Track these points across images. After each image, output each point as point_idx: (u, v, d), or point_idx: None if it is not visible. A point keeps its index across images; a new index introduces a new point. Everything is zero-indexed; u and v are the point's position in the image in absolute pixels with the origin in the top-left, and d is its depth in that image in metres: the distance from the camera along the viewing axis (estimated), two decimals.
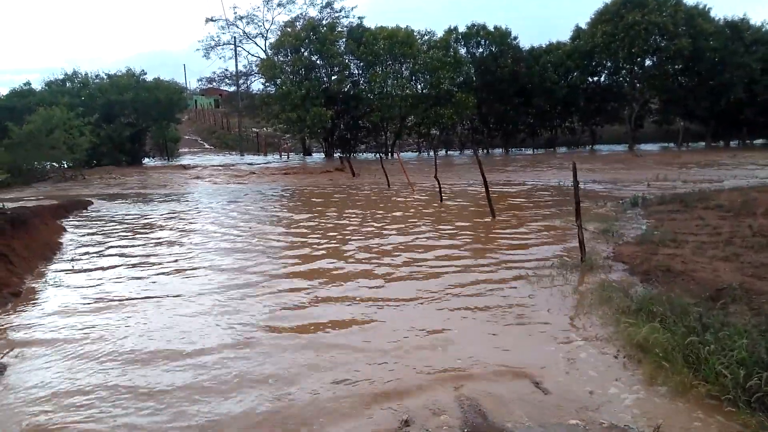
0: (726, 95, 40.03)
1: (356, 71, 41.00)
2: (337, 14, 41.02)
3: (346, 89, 39.66)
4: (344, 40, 39.51)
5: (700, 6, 41.63)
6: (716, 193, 14.18)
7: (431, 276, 7.77)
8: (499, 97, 41.67)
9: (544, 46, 44.73)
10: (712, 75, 40.45)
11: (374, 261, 8.79)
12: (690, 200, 12.71)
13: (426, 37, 41.84)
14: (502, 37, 42.11)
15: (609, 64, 42.90)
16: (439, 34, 42.33)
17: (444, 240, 10.30)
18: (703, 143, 43.72)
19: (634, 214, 12.01)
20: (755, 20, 43.05)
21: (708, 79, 40.79)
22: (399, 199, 17.19)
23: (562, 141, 47.47)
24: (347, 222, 12.80)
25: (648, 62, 42.00)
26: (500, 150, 45.44)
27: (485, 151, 44.60)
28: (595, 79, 44.89)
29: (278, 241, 10.87)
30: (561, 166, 25.62)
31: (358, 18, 41.34)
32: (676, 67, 41.31)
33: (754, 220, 9.70)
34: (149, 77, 37.69)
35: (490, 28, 42.46)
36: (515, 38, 42.89)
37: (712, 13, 41.96)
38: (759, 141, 42.99)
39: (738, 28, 41.47)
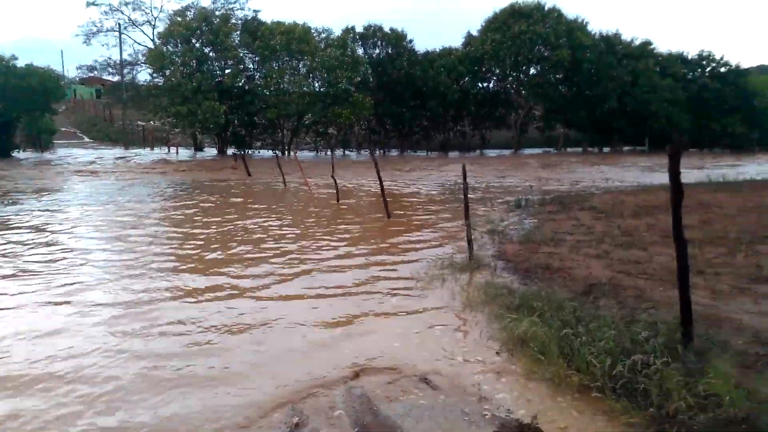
0: (601, 105, 43.53)
1: (251, 66, 40.01)
2: (231, 5, 39.77)
3: (240, 84, 38.52)
4: (239, 33, 38.41)
5: (579, 19, 44.93)
6: (591, 195, 15.38)
7: (325, 276, 7.74)
8: (396, 98, 42.47)
9: (438, 50, 46.19)
10: (589, 86, 43.81)
11: (268, 261, 8.60)
12: (568, 202, 13.68)
13: (323, 35, 41.66)
14: (397, 39, 42.94)
15: (497, 71, 45.13)
16: (337, 32, 42.34)
17: (338, 240, 10.30)
18: (581, 149, 47.26)
19: (518, 214, 12.70)
20: (626, 35, 47.23)
21: (585, 90, 44.13)
22: (295, 198, 16.98)
23: (454, 144, 49.26)
24: (238, 223, 12.44)
25: (532, 71, 44.70)
26: (396, 151, 46.28)
27: (382, 151, 45.23)
28: (485, 85, 47.04)
29: (162, 245, 10.32)
30: (452, 168, 26.56)
31: (254, 11, 40.40)
32: (558, 76, 44.32)
33: (623, 221, 10.63)
34: (21, 63, 34.32)
35: (387, 29, 43.16)
36: (410, 41, 43.91)
37: (590, 27, 45.45)
38: (627, 148, 47.12)
39: (612, 42, 45.25)
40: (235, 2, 40.05)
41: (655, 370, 3.88)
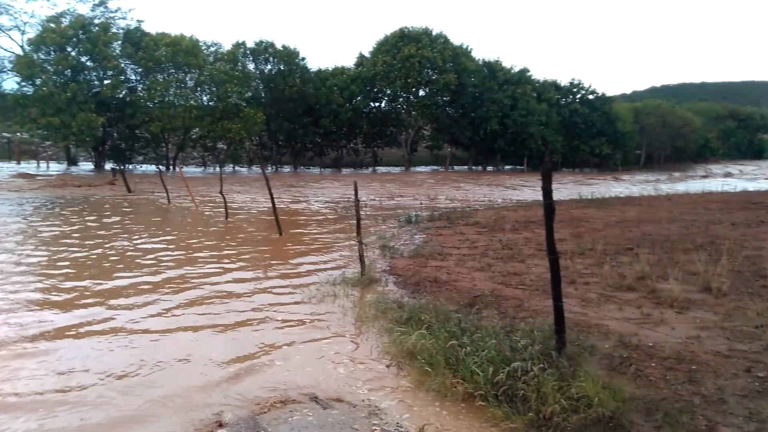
0: (484, 126, 46.07)
1: (134, 77, 38.07)
2: (112, 14, 37.58)
3: (121, 95, 36.45)
4: (120, 42, 36.42)
5: (464, 46, 47.47)
6: (475, 211, 16.11)
7: (214, 298, 7.43)
8: (288, 115, 42.26)
9: (330, 69, 46.68)
10: (474, 108, 46.27)
11: (151, 289, 8.11)
12: (454, 218, 14.24)
13: (212, 49, 40.74)
14: (290, 56, 42.87)
15: (389, 91, 46.43)
16: (227, 47, 41.50)
17: (228, 259, 9.96)
18: (467, 167, 49.60)
19: (408, 230, 13.01)
20: (506, 63, 50.58)
21: (470, 112, 46.53)
22: (181, 217, 16.23)
23: (347, 161, 49.78)
24: (116, 245, 11.65)
25: (421, 92, 46.47)
26: (289, 167, 45.87)
27: (274, 168, 44.64)
28: (377, 104, 48.21)
29: (25, 273, 9.42)
30: (345, 185, 26.74)
31: (137, 21, 38.49)
32: (444, 98, 46.41)
33: (504, 235, 11.22)
34: None
35: (279, 46, 42.95)
36: (303, 59, 44.03)
37: (474, 54, 48.17)
38: (508, 166, 50.15)
39: (493, 68, 48.21)
40: (116, 11, 37.94)
41: (533, 376, 4.10)
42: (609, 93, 55.39)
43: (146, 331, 6.09)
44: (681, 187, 28.26)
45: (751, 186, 29.22)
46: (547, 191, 4.51)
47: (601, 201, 18.31)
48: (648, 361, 4.61)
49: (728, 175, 44.23)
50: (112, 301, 7.20)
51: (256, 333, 6.04)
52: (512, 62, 66.31)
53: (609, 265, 7.95)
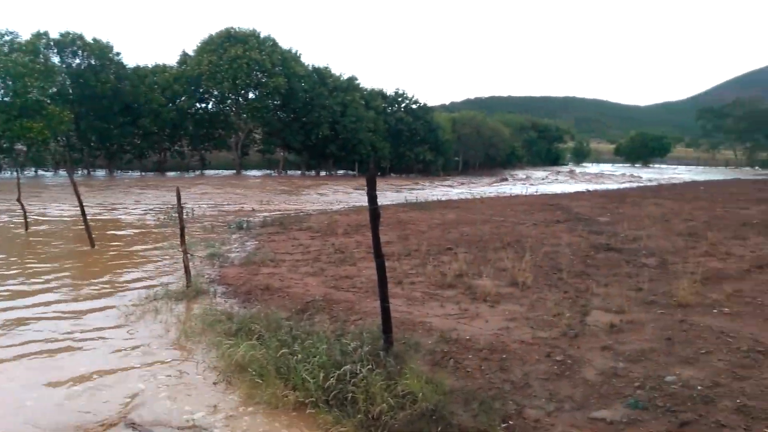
0: (315, 131, 46.45)
1: None
2: None
3: None
4: None
5: (293, 51, 47.43)
6: (308, 216, 16.16)
7: (11, 326, 6.48)
8: (101, 113, 38.66)
9: (150, 66, 43.74)
10: (305, 113, 46.42)
11: None
12: (287, 223, 14.13)
13: (7, 38, 35.90)
14: (102, 50, 39.34)
15: (216, 92, 44.72)
16: (25, 36, 36.84)
17: (28, 276, 8.78)
18: (300, 172, 49.62)
19: (239, 237, 12.61)
20: (335, 70, 51.43)
21: (301, 116, 46.62)
22: None
23: (171, 164, 46.93)
24: None
25: (251, 95, 45.46)
26: (104, 171, 41.99)
27: (86, 172, 40.55)
28: (204, 105, 46.17)
29: None
30: (169, 190, 25.16)
31: None
32: (275, 102, 45.92)
33: (336, 239, 11.39)
34: None
35: (89, 39, 39.13)
36: (118, 54, 40.65)
37: (303, 59, 48.33)
38: (341, 171, 51.18)
39: (323, 75, 48.83)
40: None
41: (362, 378, 4.19)
42: (430, 103, 58.97)
43: None
44: (491, 191, 31.23)
45: (549, 189, 33.23)
46: (371, 197, 4.66)
47: (424, 204, 19.45)
48: (465, 353, 4.97)
49: (528, 178, 49.66)
50: None
51: (62, 363, 5.35)
52: (341, 70, 67.88)
53: (432, 265, 8.47)
